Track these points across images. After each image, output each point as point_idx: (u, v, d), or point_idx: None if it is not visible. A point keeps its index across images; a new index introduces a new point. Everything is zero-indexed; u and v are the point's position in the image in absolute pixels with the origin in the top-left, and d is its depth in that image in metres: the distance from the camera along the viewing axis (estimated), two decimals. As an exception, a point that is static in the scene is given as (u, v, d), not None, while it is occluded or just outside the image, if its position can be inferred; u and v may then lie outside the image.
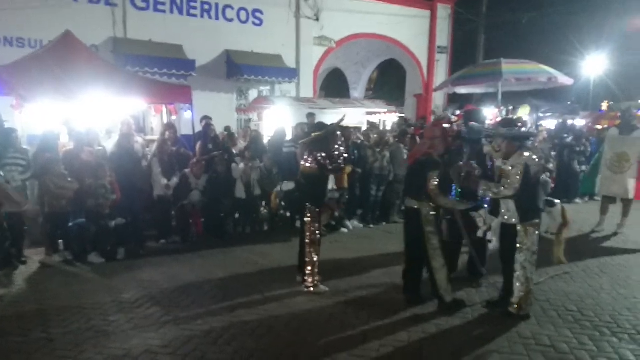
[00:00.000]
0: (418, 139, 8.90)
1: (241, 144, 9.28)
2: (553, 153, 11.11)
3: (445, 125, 5.08)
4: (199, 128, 9.00)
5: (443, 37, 18.69)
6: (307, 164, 5.25)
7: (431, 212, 4.68)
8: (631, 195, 7.76)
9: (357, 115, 14.69)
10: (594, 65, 22.26)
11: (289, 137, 9.04)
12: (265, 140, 9.40)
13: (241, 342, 4.09)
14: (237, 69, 13.32)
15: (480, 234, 5.04)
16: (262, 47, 14.08)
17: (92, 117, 7.83)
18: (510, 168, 4.36)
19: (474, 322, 4.56)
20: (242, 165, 7.91)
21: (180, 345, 4.01)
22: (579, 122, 16.32)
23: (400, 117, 16.15)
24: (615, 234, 7.91)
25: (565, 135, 11.56)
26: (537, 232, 4.47)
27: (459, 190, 4.82)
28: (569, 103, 20.94)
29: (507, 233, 4.53)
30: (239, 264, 6.30)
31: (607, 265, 6.32)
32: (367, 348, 3.98)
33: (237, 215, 8.12)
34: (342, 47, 16.73)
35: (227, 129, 10.17)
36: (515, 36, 21.62)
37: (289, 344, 4.06)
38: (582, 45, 22.43)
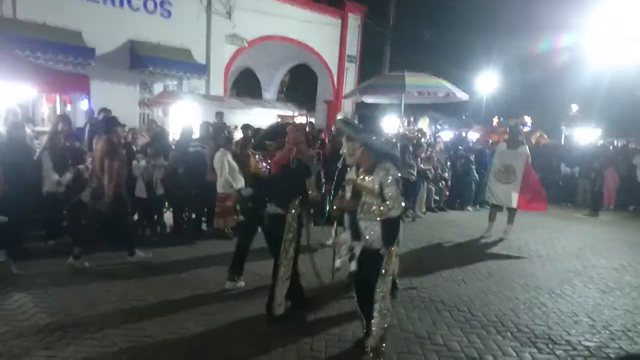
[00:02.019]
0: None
1: (142, 139, 8.79)
2: (448, 163, 11.92)
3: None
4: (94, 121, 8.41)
5: (353, 47, 19.27)
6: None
7: (295, 220, 4.49)
8: (515, 205, 8.53)
9: (268, 117, 14.65)
10: (486, 83, 24.20)
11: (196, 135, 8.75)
12: (172, 137, 9.02)
13: (139, 350, 3.86)
14: (141, 61, 12.66)
15: (338, 264, 4.00)
16: (170, 40, 13.53)
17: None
18: (376, 186, 3.67)
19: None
20: (143, 162, 7.49)
21: (69, 355, 3.69)
22: (473, 135, 17.65)
23: (309, 122, 16.37)
24: (501, 239, 8.64)
25: (460, 148, 12.42)
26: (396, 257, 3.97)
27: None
28: (464, 117, 22.58)
29: (370, 259, 3.78)
30: (137, 267, 5.95)
31: (494, 269, 6.87)
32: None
33: (136, 216, 7.68)
34: (254, 48, 16.59)
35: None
36: (418, 50, 22.84)
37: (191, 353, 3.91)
38: (476, 64, 24.33)
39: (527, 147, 8.81)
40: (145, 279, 5.56)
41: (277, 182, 4.65)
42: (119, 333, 4.15)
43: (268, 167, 5.03)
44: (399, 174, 3.75)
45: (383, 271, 3.75)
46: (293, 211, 4.47)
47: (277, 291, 4.46)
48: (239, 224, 6.15)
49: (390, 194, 3.64)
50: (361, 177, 3.78)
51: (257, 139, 6.11)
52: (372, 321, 3.75)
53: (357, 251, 3.79)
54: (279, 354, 3.96)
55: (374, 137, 3.87)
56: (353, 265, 3.80)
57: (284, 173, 4.53)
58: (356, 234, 3.78)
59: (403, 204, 3.74)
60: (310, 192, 4.55)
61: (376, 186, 3.66)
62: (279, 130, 5.39)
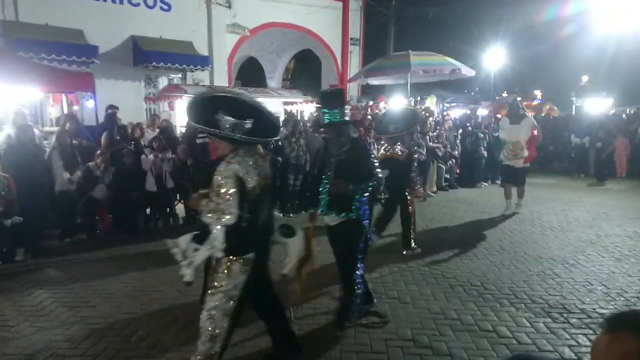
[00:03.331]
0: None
1: (149, 134, 8.86)
2: (458, 141, 11.85)
3: None
4: (103, 118, 8.48)
5: (355, 29, 19.07)
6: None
7: None
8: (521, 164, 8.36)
9: (274, 105, 14.62)
10: (494, 58, 23.84)
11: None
12: (179, 130, 9.07)
13: (156, 337, 3.94)
14: (144, 56, 12.66)
15: (189, 277, 3.07)
16: (171, 34, 13.49)
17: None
18: (217, 182, 2.92)
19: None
20: (151, 156, 7.57)
21: (90, 345, 3.79)
22: (482, 112, 17.46)
23: (317, 107, 16.32)
24: (513, 214, 8.59)
25: (468, 124, 12.32)
26: (244, 272, 3.05)
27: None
28: (472, 93, 22.33)
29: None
30: (151, 259, 6.04)
31: (506, 243, 6.85)
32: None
33: (148, 210, 7.78)
34: (256, 36, 16.51)
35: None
36: (422, 29, 22.54)
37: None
38: (483, 39, 23.95)
39: (530, 117, 8.69)
40: (159, 269, 5.64)
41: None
42: (137, 322, 4.24)
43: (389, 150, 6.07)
44: (254, 168, 2.99)
45: (215, 284, 3.00)
46: None
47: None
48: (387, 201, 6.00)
49: (218, 190, 2.88)
50: (217, 170, 3.02)
51: (380, 121, 6.96)
52: (198, 341, 3.06)
53: (199, 258, 3.03)
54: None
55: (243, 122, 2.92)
56: (189, 275, 3.02)
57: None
58: (204, 236, 3.04)
59: (235, 211, 2.85)
60: None
61: (215, 183, 2.93)
62: (407, 114, 6.41)
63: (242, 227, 2.95)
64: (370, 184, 4.08)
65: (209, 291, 3.03)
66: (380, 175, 4.18)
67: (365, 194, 4.06)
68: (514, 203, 8.71)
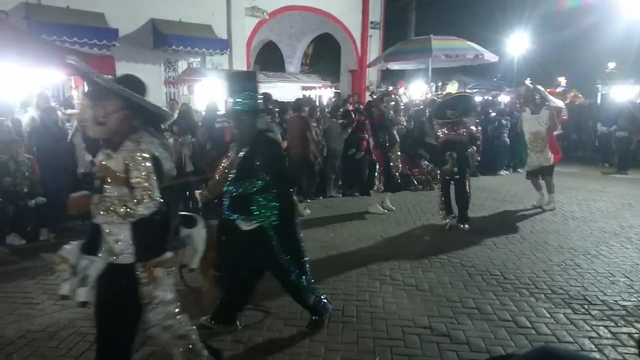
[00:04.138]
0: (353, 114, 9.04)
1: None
2: (479, 127, 11.65)
3: None
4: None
5: (376, 13, 18.80)
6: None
7: None
8: (550, 162, 7.94)
9: (292, 90, 14.58)
10: (518, 43, 23.31)
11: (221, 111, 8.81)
12: (199, 114, 9.10)
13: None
14: (164, 39, 12.69)
15: (66, 291, 2.54)
16: (190, 17, 13.47)
17: (4, 89, 7.22)
18: (120, 168, 2.44)
19: (405, 297, 4.73)
20: (170, 140, 7.60)
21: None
22: (504, 98, 17.14)
23: (335, 92, 16.24)
24: (535, 206, 8.33)
25: (490, 111, 12.09)
26: (171, 273, 2.65)
27: None
28: (494, 80, 21.91)
29: (116, 280, 2.50)
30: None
31: (527, 232, 6.75)
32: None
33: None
34: (275, 19, 16.40)
35: None
36: (444, 13, 22.13)
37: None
38: (507, 24, 23.41)
39: (551, 104, 8.41)
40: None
41: None
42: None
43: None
44: (164, 150, 2.58)
45: (148, 300, 2.53)
46: None
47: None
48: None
49: (137, 180, 2.39)
50: (107, 154, 2.53)
51: (437, 107, 7.38)
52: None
53: (94, 271, 2.51)
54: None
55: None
56: (83, 295, 2.50)
57: None
58: (94, 244, 2.51)
59: (159, 198, 2.42)
60: None
61: (120, 168, 2.44)
62: (463, 100, 6.98)
63: (157, 222, 2.47)
64: (260, 183, 3.44)
65: (148, 307, 2.55)
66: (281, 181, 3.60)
67: (269, 196, 3.50)
68: (546, 194, 8.27)
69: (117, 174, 2.43)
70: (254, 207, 3.48)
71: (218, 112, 8.47)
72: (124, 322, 2.53)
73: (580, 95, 21.20)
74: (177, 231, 2.70)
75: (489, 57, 13.32)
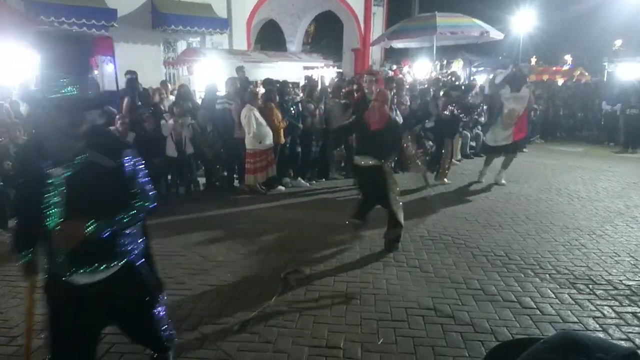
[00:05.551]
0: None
1: (170, 99, 8.81)
2: (485, 107, 11.50)
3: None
4: (123, 83, 8.44)
5: (379, -12, 18.48)
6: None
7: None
8: (511, 140, 8.05)
9: (294, 70, 14.38)
10: (523, 21, 22.93)
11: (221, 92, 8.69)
12: (199, 95, 9.00)
13: (179, 304, 3.99)
14: (163, 19, 12.48)
15: None
16: (190, -4, 13.26)
17: (2, 72, 7.13)
18: None
19: (409, 277, 4.71)
20: (171, 121, 7.52)
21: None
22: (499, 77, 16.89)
23: (338, 72, 16.02)
24: (540, 187, 8.34)
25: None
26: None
27: None
28: (499, 58, 21.60)
29: None
30: (174, 225, 6.09)
31: (532, 212, 6.69)
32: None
33: (169, 177, 7.79)
34: (276, -3, 16.14)
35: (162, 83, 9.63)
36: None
37: (229, 301, 4.01)
38: (512, 1, 22.98)
39: (529, 88, 8.27)
40: (182, 235, 5.69)
41: (378, 136, 5.07)
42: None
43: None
44: None
45: None
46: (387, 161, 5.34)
47: (399, 215, 5.21)
48: None
49: None
50: None
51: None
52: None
53: None
54: (314, 298, 4.01)
55: None
56: None
57: (385, 129, 5.07)
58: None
59: None
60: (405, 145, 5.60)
61: None
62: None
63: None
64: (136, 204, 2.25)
65: None
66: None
67: (131, 223, 2.26)
68: (488, 172, 8.37)
69: None
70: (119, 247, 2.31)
71: (218, 93, 8.37)
72: None
73: (586, 74, 20.94)
74: None
75: (495, 34, 13.07)
